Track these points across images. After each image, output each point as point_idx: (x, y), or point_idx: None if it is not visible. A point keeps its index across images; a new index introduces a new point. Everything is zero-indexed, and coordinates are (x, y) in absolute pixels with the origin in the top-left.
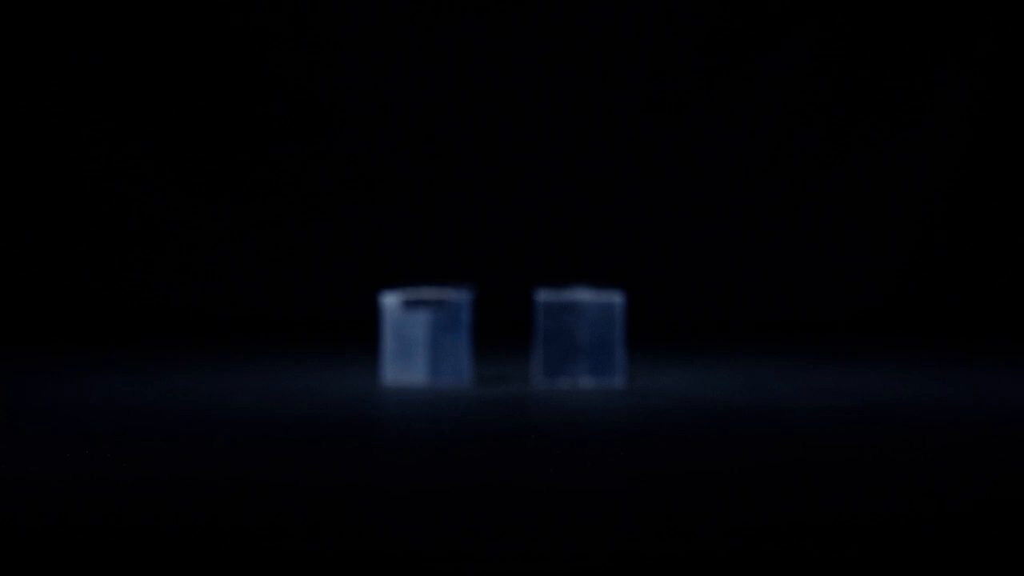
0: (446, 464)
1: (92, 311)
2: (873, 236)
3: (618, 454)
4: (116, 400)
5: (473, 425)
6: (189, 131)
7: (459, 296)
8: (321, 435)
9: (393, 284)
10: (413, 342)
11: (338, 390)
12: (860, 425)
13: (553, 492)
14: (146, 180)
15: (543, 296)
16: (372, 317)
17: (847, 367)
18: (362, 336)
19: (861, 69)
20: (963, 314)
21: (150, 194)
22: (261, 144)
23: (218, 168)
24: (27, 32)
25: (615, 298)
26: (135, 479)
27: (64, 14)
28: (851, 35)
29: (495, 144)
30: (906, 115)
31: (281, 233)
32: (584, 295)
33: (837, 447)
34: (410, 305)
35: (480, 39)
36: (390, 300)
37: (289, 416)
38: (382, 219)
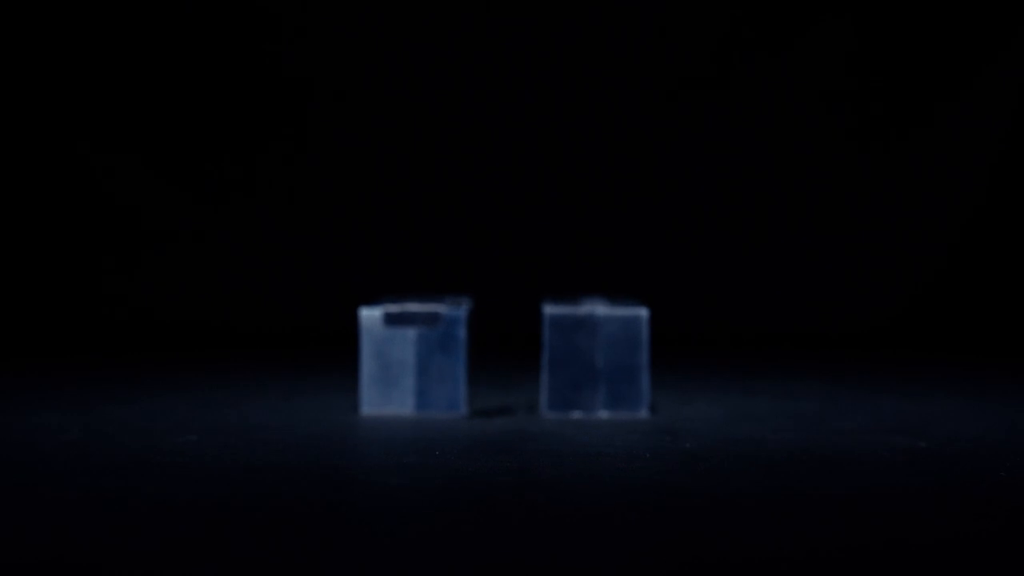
0: (429, 536)
1: (59, 320)
2: (900, 248)
3: (648, 524)
4: (39, 435)
5: (467, 475)
6: (172, 132)
7: (453, 310)
8: (268, 496)
9: (380, 295)
10: (397, 365)
11: (305, 424)
12: (969, 479)
13: None
14: (125, 185)
15: (552, 309)
16: (355, 332)
17: (896, 391)
18: (344, 354)
19: (882, 78)
20: (993, 330)
21: (132, 202)
22: (247, 144)
23: (204, 170)
24: (25, 31)
25: (639, 312)
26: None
27: (63, 14)
28: (869, 41)
29: (496, 141)
30: (937, 121)
31: (265, 237)
32: (601, 308)
33: (952, 514)
34: (395, 320)
35: (482, 37)
36: (370, 315)
37: (238, 464)
38: (372, 222)
